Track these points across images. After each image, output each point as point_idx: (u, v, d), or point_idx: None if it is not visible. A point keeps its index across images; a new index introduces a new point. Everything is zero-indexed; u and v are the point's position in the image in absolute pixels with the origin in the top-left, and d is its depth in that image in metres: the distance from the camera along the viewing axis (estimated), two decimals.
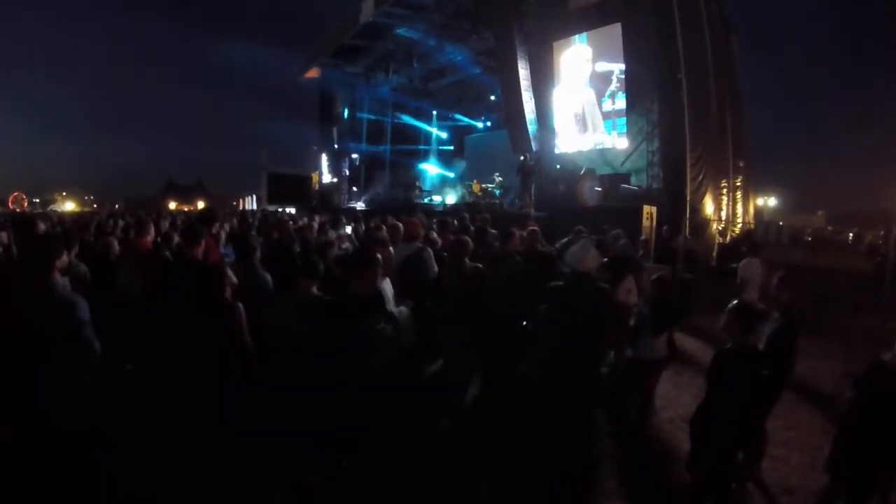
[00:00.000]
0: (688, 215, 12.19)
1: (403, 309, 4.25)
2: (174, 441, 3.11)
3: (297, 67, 27.35)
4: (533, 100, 16.32)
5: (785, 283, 4.12)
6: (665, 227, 10.29)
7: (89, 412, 3.06)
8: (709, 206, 13.21)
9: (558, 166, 16.38)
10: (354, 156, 28.01)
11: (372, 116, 27.71)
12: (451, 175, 27.85)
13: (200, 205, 51.03)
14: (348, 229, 8.99)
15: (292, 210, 23.93)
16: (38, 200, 64.76)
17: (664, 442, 4.57)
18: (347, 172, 27.84)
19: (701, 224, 12.67)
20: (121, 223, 9.17)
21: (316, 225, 8.79)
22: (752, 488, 3.80)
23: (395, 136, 28.79)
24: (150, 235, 5.52)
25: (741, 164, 14.52)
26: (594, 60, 15.22)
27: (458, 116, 27.56)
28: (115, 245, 5.32)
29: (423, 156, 29.15)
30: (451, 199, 22.81)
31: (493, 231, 7.17)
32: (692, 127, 12.38)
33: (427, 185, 26.77)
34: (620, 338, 4.67)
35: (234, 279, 3.57)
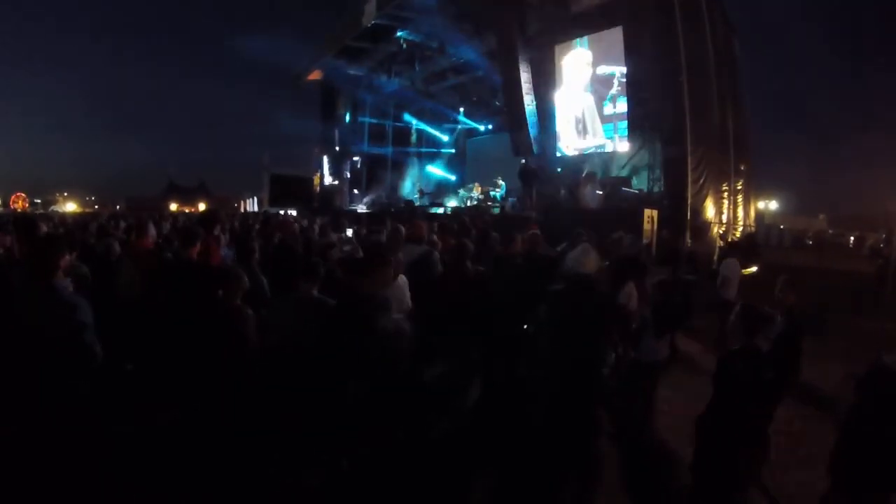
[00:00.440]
0: (689, 218, 12.18)
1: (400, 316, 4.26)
2: (174, 441, 3.11)
3: (299, 69, 27.40)
4: (534, 103, 16.34)
5: (789, 285, 4.12)
6: (665, 231, 10.28)
7: (89, 412, 3.06)
8: (710, 209, 13.19)
9: (560, 170, 16.40)
10: (356, 158, 28.05)
11: (374, 119, 27.75)
12: (453, 178, 27.85)
13: (202, 206, 51.03)
14: (349, 232, 9.00)
15: (293, 212, 23.95)
16: (39, 201, 64.84)
17: (665, 444, 4.56)
18: (349, 175, 27.87)
19: (702, 227, 12.65)
20: (122, 224, 9.17)
21: (317, 227, 8.80)
22: (754, 491, 3.79)
23: (397, 138, 28.78)
24: (151, 237, 5.52)
25: (742, 167, 14.50)
26: (595, 63, 15.23)
27: (461, 119, 27.55)
28: (117, 246, 5.32)
29: (425, 158, 29.14)
30: (452, 202, 22.81)
31: (494, 234, 7.17)
32: (693, 130, 12.37)
33: (429, 188, 26.77)
34: (622, 340, 4.67)
35: (247, 282, 3.57)
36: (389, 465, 3.28)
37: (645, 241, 10.02)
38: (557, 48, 16.11)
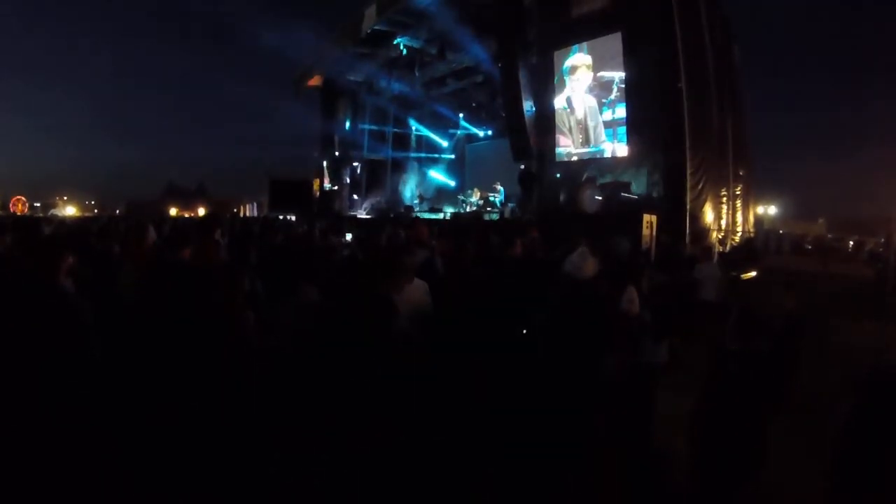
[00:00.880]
0: (688, 223, 12.21)
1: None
2: (173, 441, 3.12)
3: (299, 74, 27.46)
4: (534, 108, 16.36)
5: (788, 289, 4.15)
6: (664, 235, 10.31)
7: (89, 413, 3.07)
8: (709, 215, 13.23)
9: (559, 175, 16.42)
10: (356, 163, 28.08)
11: (374, 124, 27.80)
12: (453, 183, 27.90)
13: (201, 210, 51.01)
14: (349, 236, 9.05)
15: (292, 217, 23.96)
16: (38, 204, 64.78)
17: (664, 447, 4.57)
18: (348, 180, 27.89)
19: (701, 232, 12.68)
20: (122, 227, 9.20)
21: (317, 232, 8.84)
22: (750, 495, 3.80)
23: (397, 143, 28.84)
24: (151, 239, 5.54)
25: (741, 173, 14.55)
26: (595, 69, 15.26)
27: (460, 124, 27.63)
28: (117, 248, 5.35)
29: (425, 164, 29.20)
30: (452, 207, 22.85)
31: (494, 238, 7.21)
32: (692, 135, 12.41)
33: (428, 193, 26.81)
34: (623, 344, 4.68)
35: (246, 284, 3.59)
36: (390, 466, 3.29)
37: (644, 246, 10.05)
38: (557, 53, 16.13)
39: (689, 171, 12.44)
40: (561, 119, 16.34)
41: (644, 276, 5.44)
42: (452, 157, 29.29)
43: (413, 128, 28.79)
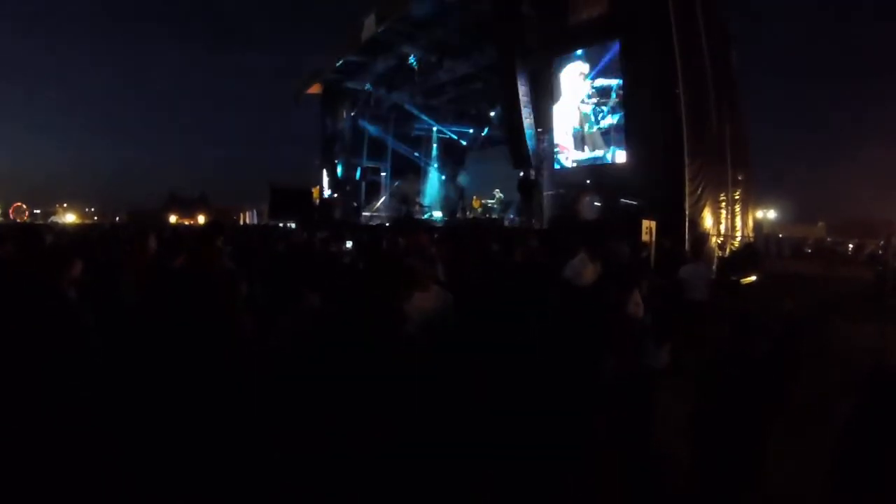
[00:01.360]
0: (687, 229, 12.24)
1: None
2: (174, 441, 3.13)
3: (299, 83, 27.58)
4: (533, 115, 16.41)
5: (788, 293, 4.18)
6: (665, 240, 10.34)
7: (89, 418, 3.09)
8: (708, 220, 13.25)
9: (558, 182, 16.45)
10: (355, 171, 28.13)
11: (373, 132, 27.84)
12: (452, 191, 27.96)
13: (202, 218, 50.98)
14: (349, 244, 9.08)
15: (293, 225, 24.00)
16: (38, 211, 64.72)
17: (664, 449, 4.58)
18: (348, 187, 27.94)
19: (700, 237, 12.69)
20: (123, 235, 9.25)
21: (318, 241, 8.88)
22: (750, 496, 3.81)
23: (396, 151, 28.89)
24: (153, 247, 5.58)
25: (741, 177, 14.55)
26: (593, 76, 15.32)
27: (460, 132, 27.72)
28: (118, 255, 5.38)
29: (425, 171, 29.26)
30: (451, 214, 22.90)
31: (494, 246, 7.24)
32: (691, 141, 12.45)
33: (427, 201, 26.85)
34: (626, 348, 4.70)
35: (244, 290, 3.62)
36: (388, 468, 3.30)
37: (644, 253, 10.07)
38: (555, 61, 16.19)
39: (687, 177, 12.48)
40: (559, 126, 16.39)
41: (644, 279, 5.47)
42: (453, 163, 29.35)
43: (413, 134, 28.85)
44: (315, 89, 26.98)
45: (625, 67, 14.25)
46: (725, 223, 14.05)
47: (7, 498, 2.80)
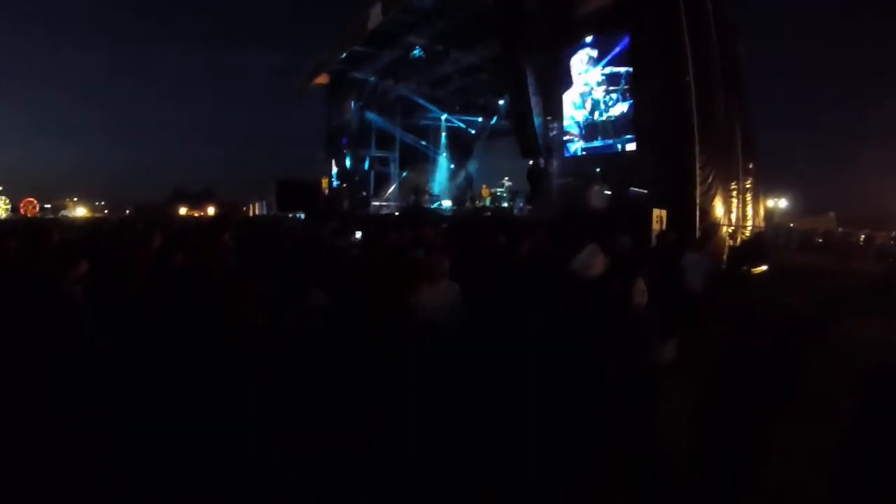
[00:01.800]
0: (697, 218, 12.16)
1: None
2: (175, 438, 3.13)
3: (306, 74, 27.55)
4: (541, 104, 16.33)
5: (796, 286, 4.12)
6: (673, 232, 10.27)
7: (93, 413, 3.09)
8: (719, 209, 13.15)
9: (567, 170, 16.39)
10: (363, 162, 28.11)
11: (380, 122, 27.78)
12: (461, 180, 27.90)
13: (210, 210, 51.13)
14: (358, 235, 9.07)
15: (301, 216, 24.03)
16: (49, 206, 64.99)
17: (667, 447, 4.54)
18: (356, 178, 27.93)
19: (711, 227, 12.60)
20: (132, 229, 9.26)
21: (326, 233, 8.86)
22: (753, 495, 3.77)
23: (404, 141, 28.85)
24: (157, 244, 5.58)
25: (751, 166, 14.43)
26: (601, 65, 15.22)
27: (467, 121, 27.64)
28: (124, 252, 5.38)
29: (433, 161, 29.21)
30: (460, 204, 22.86)
31: (501, 237, 7.20)
32: (701, 129, 12.35)
33: (436, 190, 26.82)
34: (631, 342, 4.66)
35: (257, 288, 3.61)
36: (391, 465, 3.29)
37: (653, 243, 10.02)
38: (564, 50, 16.09)
39: (698, 166, 12.39)
40: (568, 115, 16.31)
41: (646, 268, 5.41)
42: (461, 153, 29.27)
43: (421, 124, 28.79)
44: (321, 80, 26.95)
45: (634, 55, 14.15)
46: (736, 213, 13.94)
47: (8, 498, 2.81)
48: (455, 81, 23.48)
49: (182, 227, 12.56)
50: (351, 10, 21.67)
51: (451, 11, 18.19)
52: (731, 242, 13.31)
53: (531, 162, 16.64)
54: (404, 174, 28.88)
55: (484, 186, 22.18)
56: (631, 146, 14.75)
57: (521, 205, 19.14)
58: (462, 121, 28.00)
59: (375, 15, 19.31)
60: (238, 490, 3.10)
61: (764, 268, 10.49)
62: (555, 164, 16.61)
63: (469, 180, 27.50)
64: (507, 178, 20.81)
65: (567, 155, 16.50)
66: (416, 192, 25.87)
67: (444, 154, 29.06)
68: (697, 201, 12.32)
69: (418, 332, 3.79)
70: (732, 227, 13.65)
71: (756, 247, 12.42)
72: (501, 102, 23.46)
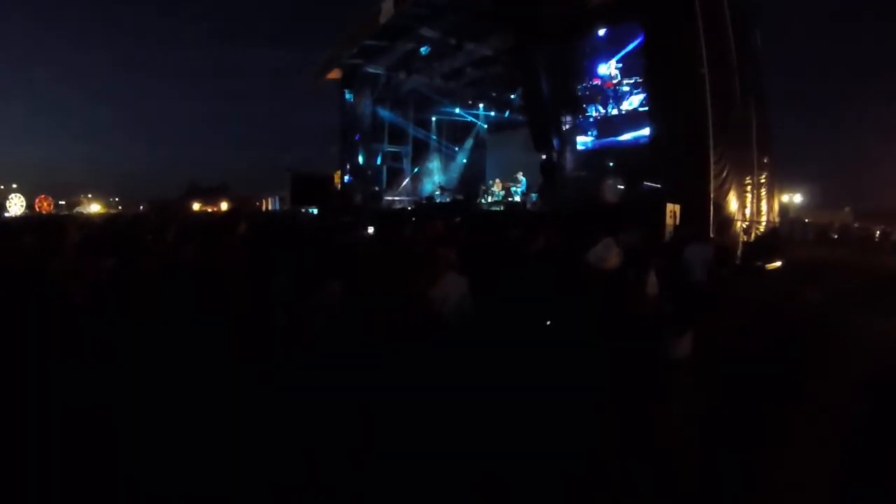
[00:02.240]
0: (712, 212, 12.07)
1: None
2: (178, 437, 3.14)
3: (318, 68, 27.57)
4: (554, 98, 16.27)
5: (812, 282, 4.09)
6: (687, 227, 10.23)
7: (96, 412, 3.11)
8: (733, 204, 13.05)
9: (580, 164, 16.33)
10: (376, 156, 28.15)
11: (394, 116, 27.80)
12: (474, 174, 27.90)
13: (224, 205, 51.41)
14: (370, 230, 9.09)
15: (314, 210, 24.11)
16: (63, 202, 65.45)
17: (680, 443, 4.52)
18: (369, 172, 27.98)
19: (725, 222, 12.51)
20: (147, 223, 9.34)
21: (341, 227, 8.90)
22: (762, 494, 3.75)
23: (417, 135, 28.88)
24: (172, 235, 5.63)
25: (766, 161, 14.30)
26: (615, 57, 15.14)
27: (480, 115, 27.62)
28: (139, 247, 5.43)
29: (446, 155, 29.22)
30: (473, 197, 22.85)
31: (515, 230, 7.19)
32: (715, 123, 12.24)
33: (449, 184, 26.84)
34: (645, 335, 4.64)
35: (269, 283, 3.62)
36: (395, 463, 3.29)
37: (665, 237, 9.98)
38: (576, 42, 16.02)
39: (712, 160, 12.29)
40: (581, 108, 16.25)
41: (655, 257, 5.39)
42: (473, 147, 29.24)
43: (433, 119, 28.78)
44: (334, 75, 26.96)
45: (647, 47, 14.05)
46: (751, 208, 13.84)
47: (7, 496, 2.82)
48: (468, 74, 23.43)
49: (196, 221, 12.62)
50: (364, 4, 21.57)
51: (463, 3, 18.13)
52: (745, 237, 13.21)
53: (544, 155, 16.58)
54: (415, 170, 28.90)
55: (497, 180, 22.13)
56: (644, 140, 14.67)
57: (534, 198, 19.10)
58: (474, 114, 27.98)
59: (387, 8, 19.28)
60: (252, 490, 3.11)
61: (778, 263, 10.42)
62: (568, 157, 16.55)
63: (482, 174, 27.48)
64: (520, 172, 20.74)
65: (580, 148, 16.44)
66: (428, 186, 25.98)
67: (457, 147, 29.05)
68: (712, 196, 12.23)
69: (428, 325, 3.79)
70: (747, 222, 13.55)
71: (771, 242, 12.32)
72: (514, 96, 23.41)
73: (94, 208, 58.39)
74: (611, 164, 14.95)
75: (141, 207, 54.02)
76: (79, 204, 64.34)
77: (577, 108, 16.30)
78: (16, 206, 53.42)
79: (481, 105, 26.96)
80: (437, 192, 25.65)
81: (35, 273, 4.03)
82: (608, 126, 15.65)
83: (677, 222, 11.05)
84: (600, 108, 15.75)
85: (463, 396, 3.56)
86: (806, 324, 3.68)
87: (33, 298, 3.39)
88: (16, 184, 60.46)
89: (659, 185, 13.53)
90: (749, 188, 13.77)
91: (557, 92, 16.31)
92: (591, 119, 16.08)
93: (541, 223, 7.34)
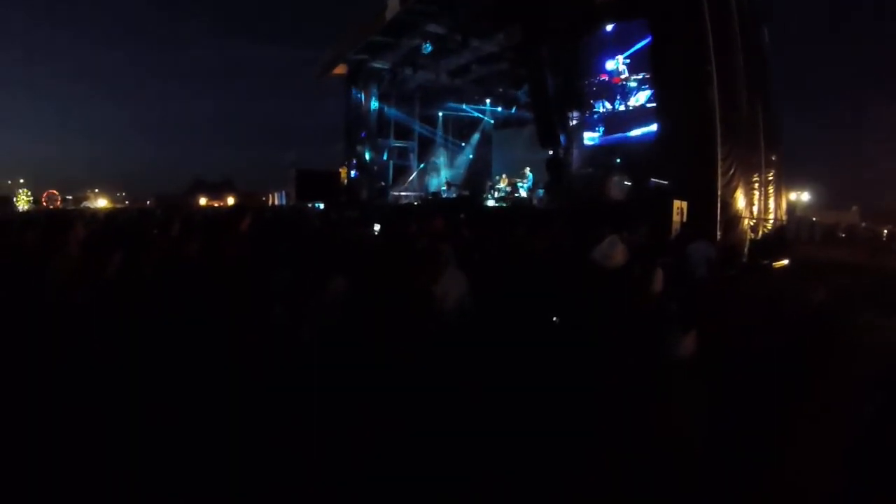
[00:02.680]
0: (719, 210, 12.02)
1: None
2: (177, 436, 3.13)
3: (324, 64, 27.57)
4: (561, 94, 16.24)
5: (819, 282, 4.06)
6: (686, 224, 10.21)
7: (95, 410, 3.11)
8: (740, 201, 12.98)
9: (587, 160, 16.31)
10: (382, 151, 28.15)
11: (400, 112, 27.80)
12: (480, 170, 27.89)
13: (230, 200, 51.55)
14: (376, 227, 9.07)
15: (320, 206, 24.13)
16: (70, 198, 65.68)
17: (682, 442, 4.49)
18: (375, 168, 27.98)
19: (732, 220, 12.46)
20: (151, 220, 9.36)
21: (346, 222, 8.90)
22: (767, 495, 3.72)
23: (423, 131, 28.84)
24: (177, 229, 5.63)
25: (773, 158, 14.23)
26: (622, 53, 15.10)
27: (487, 111, 27.59)
28: (144, 240, 5.43)
29: (452, 151, 29.21)
30: (479, 193, 22.84)
31: (521, 227, 7.18)
32: (722, 120, 12.17)
33: (456, 180, 26.84)
34: (650, 333, 4.62)
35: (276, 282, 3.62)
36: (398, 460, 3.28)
37: (671, 235, 9.96)
38: (584, 38, 15.98)
39: (719, 157, 12.22)
40: (588, 104, 16.21)
41: (660, 255, 5.36)
42: (479, 143, 29.21)
43: (439, 115, 28.76)
44: (340, 70, 26.95)
45: (654, 44, 13.99)
46: (758, 206, 13.77)
47: (8, 495, 2.82)
48: (474, 71, 23.39)
49: (201, 216, 12.65)
50: (370, 1, 21.54)
51: (469, 0, 18.09)
52: (752, 235, 13.16)
53: (550, 152, 16.56)
54: (421, 166, 28.90)
55: (503, 176, 22.12)
56: (652, 136, 14.62)
57: (541, 194, 19.07)
58: (481, 110, 27.95)
59: (393, 4, 19.25)
60: (252, 490, 3.10)
61: (785, 262, 10.37)
62: (574, 153, 16.54)
63: (488, 170, 27.47)
64: (526, 168, 20.70)
65: (587, 144, 16.41)
66: (434, 182, 25.97)
67: (463, 144, 29.03)
68: (719, 193, 12.17)
69: (429, 322, 3.77)
70: (754, 220, 13.49)
71: (777, 240, 12.27)
72: (520, 92, 23.36)
73: (101, 203, 58.64)
74: (618, 160, 14.92)
75: (147, 202, 54.27)
76: (85, 199, 64.64)
77: (583, 104, 16.28)
78: (24, 201, 53.75)
79: (487, 101, 26.94)
80: (444, 188, 25.62)
81: (37, 271, 4.03)
82: (615, 122, 15.63)
83: (684, 219, 11.02)
84: (607, 104, 15.72)
85: (465, 395, 3.55)
86: (811, 322, 3.64)
87: (35, 297, 3.39)
88: (22, 179, 60.88)
89: (666, 182, 13.47)
90: (756, 186, 13.69)
91: (564, 88, 16.29)
92: (598, 115, 16.05)
93: (547, 220, 7.32)
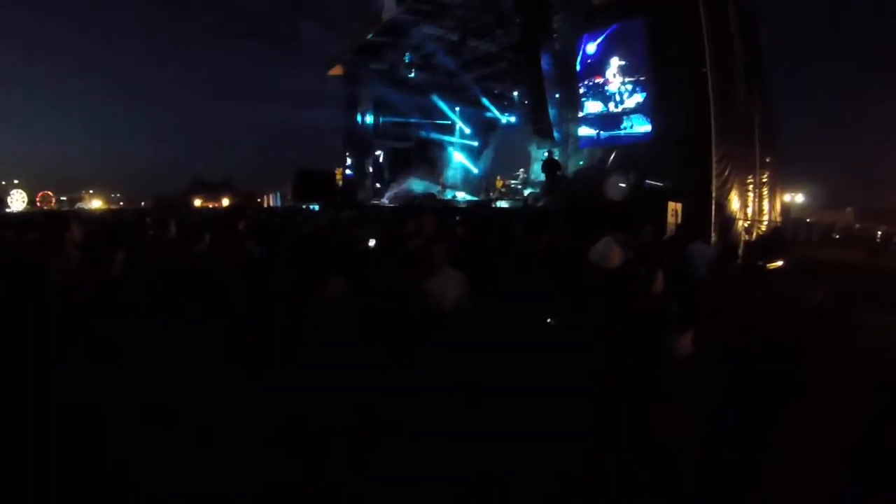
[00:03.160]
0: (713, 211, 12.05)
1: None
2: (177, 436, 3.13)
3: (321, 65, 27.58)
4: (557, 94, 16.27)
5: (817, 282, 4.07)
6: (681, 225, 10.23)
7: (102, 410, 3.11)
8: (735, 203, 13.02)
9: (582, 162, 16.33)
10: (378, 152, 28.15)
11: (396, 113, 27.81)
12: (476, 171, 27.90)
13: (226, 201, 51.49)
14: (373, 227, 9.08)
15: (316, 206, 24.11)
16: (65, 198, 65.44)
17: (682, 442, 4.50)
18: (371, 168, 27.98)
19: (727, 221, 12.50)
20: (148, 220, 9.34)
21: (342, 222, 8.89)
22: (766, 495, 3.73)
23: (419, 131, 28.81)
24: (172, 233, 5.62)
25: (768, 160, 14.27)
26: (619, 55, 15.11)
27: (483, 111, 27.62)
28: (141, 242, 5.43)
29: (448, 151, 29.21)
30: (475, 195, 22.87)
31: (518, 228, 7.18)
32: (718, 121, 12.21)
33: (450, 181, 26.84)
34: (649, 333, 4.63)
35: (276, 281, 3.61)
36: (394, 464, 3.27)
37: (667, 236, 9.98)
38: (580, 39, 16.00)
39: (714, 159, 12.25)
40: (584, 105, 16.23)
41: (664, 255, 5.37)
42: (475, 144, 29.24)
43: (436, 115, 28.76)
44: (337, 71, 26.96)
45: (651, 46, 14.04)
46: (753, 206, 13.81)
47: (8, 495, 2.81)
48: (472, 71, 23.41)
49: (198, 217, 12.62)
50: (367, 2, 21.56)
51: (466, 1, 18.12)
52: (746, 237, 13.19)
53: (546, 152, 16.58)
54: (419, 165, 28.90)
55: (499, 177, 22.17)
56: (647, 137, 14.65)
57: (537, 195, 19.11)
58: (478, 111, 27.96)
59: (390, 4, 19.27)
60: (251, 489, 3.10)
61: (780, 263, 10.40)
62: (570, 154, 16.55)
63: (485, 170, 27.50)
64: (522, 170, 20.77)
65: (583, 146, 16.43)
66: (429, 182, 25.96)
67: (459, 144, 29.04)
68: (713, 194, 12.20)
69: (427, 321, 3.77)
70: (748, 221, 13.52)
71: (772, 241, 12.30)
72: (517, 93, 23.40)
73: (96, 204, 58.47)
74: (613, 161, 14.93)
75: (143, 203, 54.13)
76: (80, 200, 64.46)
77: (579, 104, 16.28)
78: (17, 201, 53.55)
79: (484, 101, 26.96)
80: (440, 189, 25.62)
81: (33, 272, 4.02)
82: (611, 123, 15.63)
83: (679, 220, 11.04)
84: (603, 105, 15.72)
85: (464, 396, 3.55)
86: (810, 322, 3.65)
87: (31, 300, 3.38)
88: (17, 179, 60.62)
89: (661, 184, 13.50)
90: (751, 187, 13.74)
91: (561, 89, 16.31)
92: (594, 116, 16.05)
93: (544, 220, 7.31)
